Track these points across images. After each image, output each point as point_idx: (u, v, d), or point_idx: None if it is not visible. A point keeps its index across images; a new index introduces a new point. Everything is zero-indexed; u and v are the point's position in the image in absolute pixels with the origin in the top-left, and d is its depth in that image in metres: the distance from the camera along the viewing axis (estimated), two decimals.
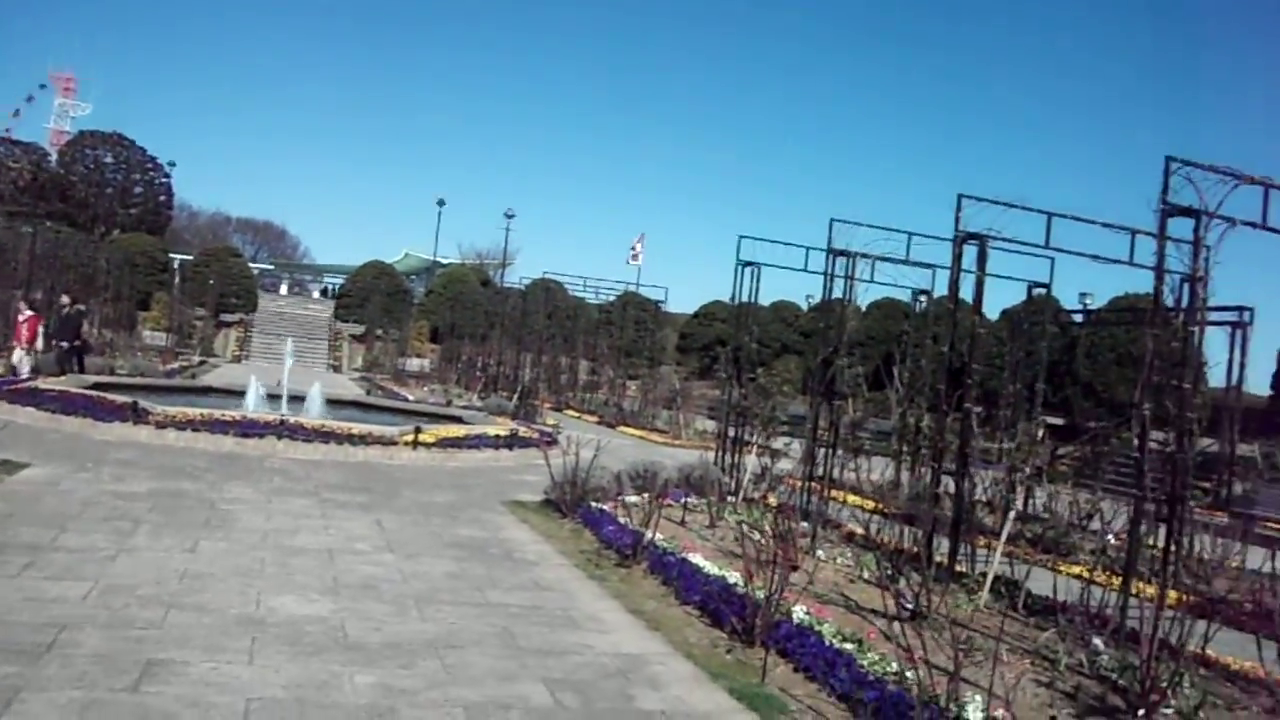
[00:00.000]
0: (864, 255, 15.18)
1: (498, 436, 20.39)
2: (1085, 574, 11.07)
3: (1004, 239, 12.72)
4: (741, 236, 18.99)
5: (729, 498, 15.54)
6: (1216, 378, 35.13)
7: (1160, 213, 9.17)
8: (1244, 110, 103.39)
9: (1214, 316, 25.28)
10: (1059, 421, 34.19)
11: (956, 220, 12.36)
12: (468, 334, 52.19)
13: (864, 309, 54.12)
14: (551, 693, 6.67)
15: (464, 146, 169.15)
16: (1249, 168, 9.59)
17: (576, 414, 36.48)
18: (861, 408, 29.68)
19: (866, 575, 11.21)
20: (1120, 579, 9.56)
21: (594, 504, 13.64)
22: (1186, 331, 10.73)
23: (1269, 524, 19.97)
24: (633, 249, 72.16)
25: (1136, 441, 9.31)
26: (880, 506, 15.32)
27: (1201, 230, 9.21)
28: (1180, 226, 9.44)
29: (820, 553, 12.66)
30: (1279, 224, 9.86)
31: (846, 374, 27.32)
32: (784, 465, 17.25)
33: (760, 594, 8.37)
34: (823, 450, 15.29)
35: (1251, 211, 9.84)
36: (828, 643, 7.81)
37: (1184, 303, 10.98)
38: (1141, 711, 7.40)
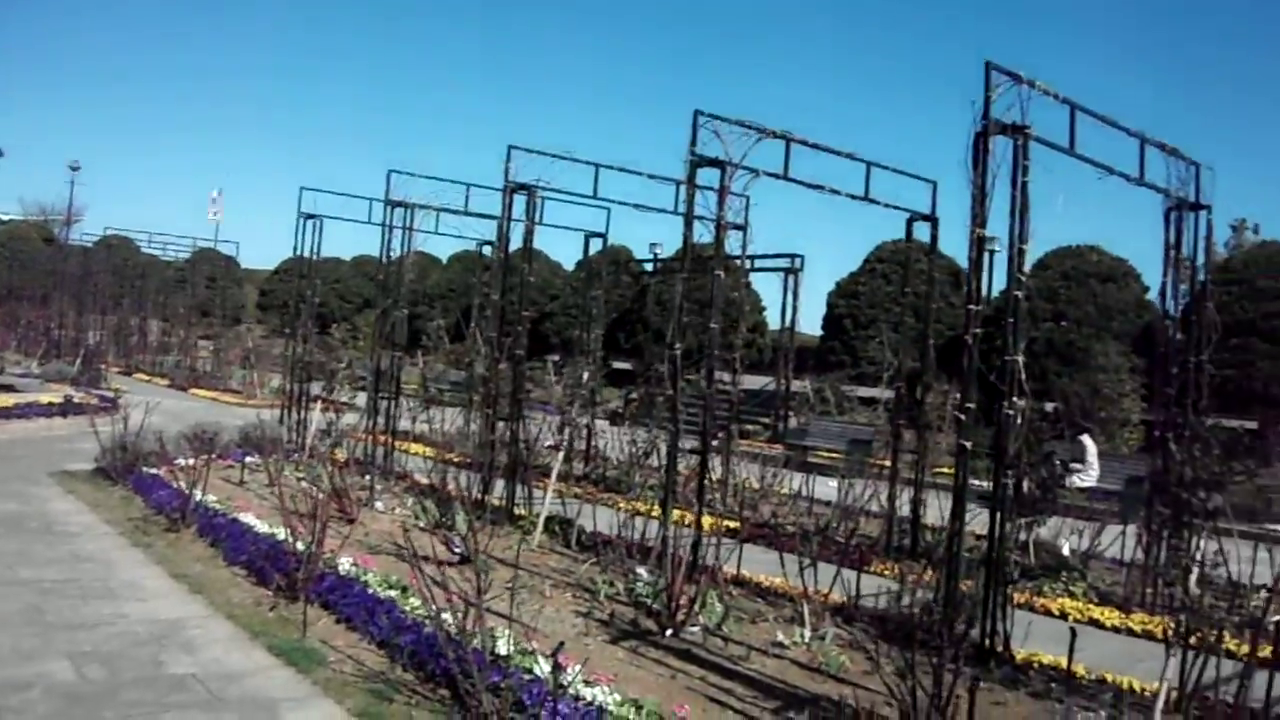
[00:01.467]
0: (423, 206, 15.67)
1: (51, 404, 20.37)
2: (642, 508, 12.18)
3: (553, 189, 13.47)
4: (303, 188, 18.86)
5: (294, 455, 15.67)
6: (773, 319, 39.23)
7: (689, 163, 10.10)
8: (778, 66, 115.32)
9: (767, 263, 28.21)
10: (628, 366, 36.60)
11: (506, 171, 12.96)
12: (28, 296, 49.25)
13: (445, 261, 55.15)
14: (77, 667, 6.58)
15: (27, 95, 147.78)
16: (775, 122, 10.85)
17: (147, 377, 36.13)
18: (443, 359, 30.25)
19: (424, 524, 11.63)
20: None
21: (146, 469, 13.47)
22: (739, 278, 11.99)
23: (819, 452, 22.75)
24: (211, 204, 69.62)
25: (705, 381, 10.29)
26: (446, 455, 15.88)
27: (727, 180, 10.27)
28: (711, 177, 10.38)
29: (380, 504, 13.03)
30: (802, 175, 11.28)
31: (429, 326, 27.42)
32: (350, 419, 17.55)
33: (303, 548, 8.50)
34: (388, 402, 15.68)
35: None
36: (371, 592, 8.17)
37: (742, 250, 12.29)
38: (670, 631, 8.33)
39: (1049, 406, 25.68)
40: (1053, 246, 33.55)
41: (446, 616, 6.66)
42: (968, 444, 7.63)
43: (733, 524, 12.20)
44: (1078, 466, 15.91)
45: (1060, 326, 30.80)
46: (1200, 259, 10.90)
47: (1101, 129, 9.47)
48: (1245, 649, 6.53)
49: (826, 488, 14.65)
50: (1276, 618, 5.58)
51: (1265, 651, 6.36)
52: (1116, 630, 9.67)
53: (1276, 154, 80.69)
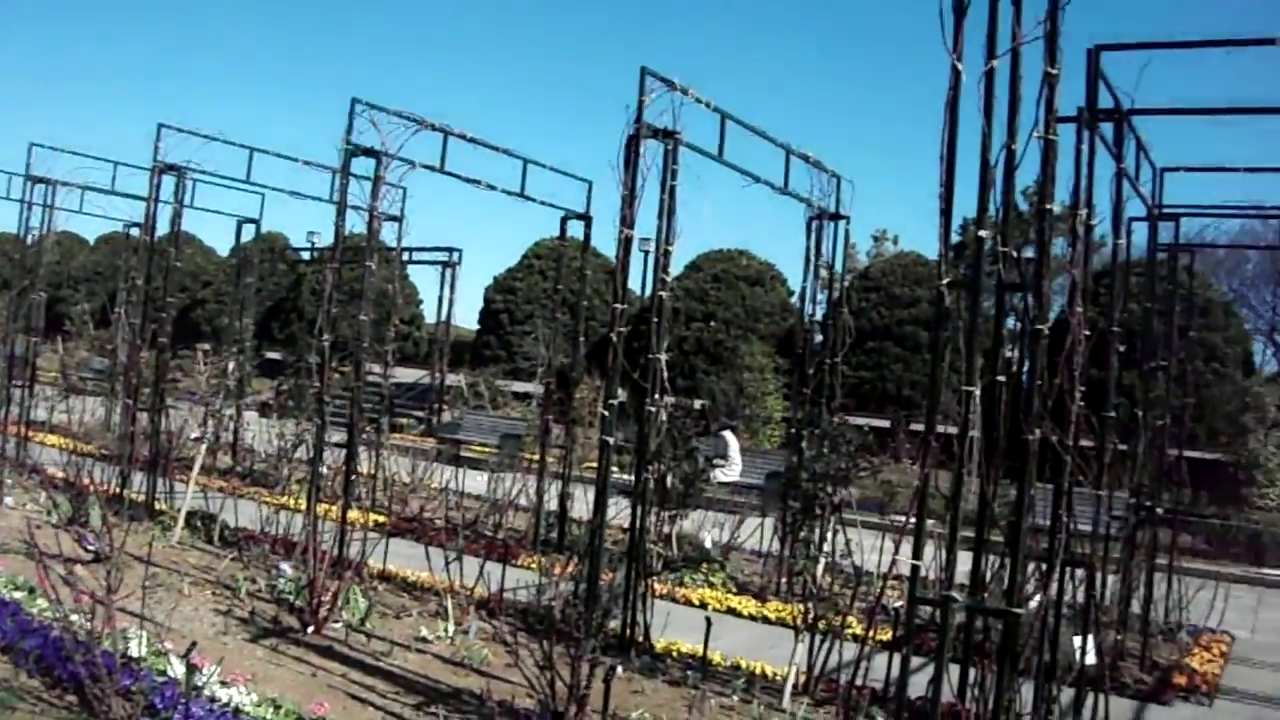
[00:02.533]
0: (66, 184, 15.05)
1: None
2: (289, 503, 12.24)
3: (205, 171, 13.20)
4: None
5: None
6: (430, 313, 39.51)
7: (344, 152, 10.21)
8: (442, 58, 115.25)
9: (425, 256, 28.45)
10: (278, 356, 35.73)
11: (156, 150, 12.59)
12: None
13: (93, 243, 51.66)
14: None
15: None
16: (437, 116, 11.14)
17: None
18: (87, 346, 28.37)
19: (56, 520, 11.15)
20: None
21: None
22: (394, 270, 12.20)
23: (471, 447, 23.27)
24: None
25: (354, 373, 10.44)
26: (84, 447, 15.21)
27: (383, 170, 10.50)
28: (368, 166, 10.47)
29: (10, 499, 12.41)
30: (460, 169, 11.64)
31: (73, 310, 25.67)
32: None
33: None
34: (21, 390, 15.07)
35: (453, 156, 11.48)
36: None
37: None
38: (312, 628, 8.40)
39: (697, 404, 27.45)
40: (705, 249, 35.80)
41: (76, 618, 6.53)
42: (610, 439, 8.24)
43: (381, 518, 12.40)
44: (721, 462, 17.20)
45: (709, 327, 32.85)
46: (839, 266, 12.17)
47: (750, 139, 10.36)
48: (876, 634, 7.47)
49: (477, 482, 15.16)
50: (897, 604, 6.46)
51: (885, 634, 7.34)
52: (753, 619, 10.65)
53: (914, 170, 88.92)
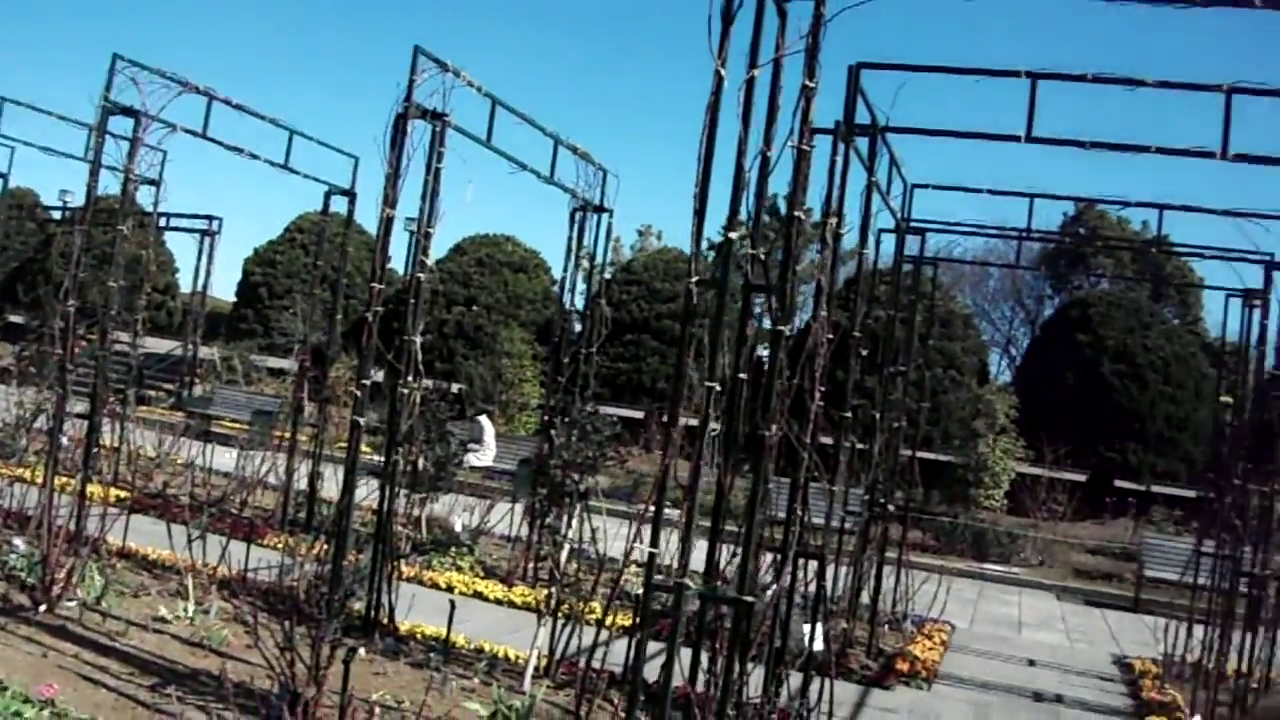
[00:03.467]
0: None
1: None
2: (26, 475, 11.55)
3: None
4: None
5: None
6: (186, 282, 37.89)
7: (102, 110, 9.73)
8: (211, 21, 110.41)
9: (183, 223, 27.28)
10: (20, 320, 33.64)
11: None
12: None
13: None
14: None
15: None
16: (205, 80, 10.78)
17: None
18: None
19: None
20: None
21: None
22: (149, 236, 11.67)
23: (222, 422, 22.51)
24: None
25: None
26: None
27: (141, 131, 10.06)
28: (127, 126, 9.96)
29: None
30: (224, 136, 11.26)
31: None
32: None
33: None
34: None
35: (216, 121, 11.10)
36: None
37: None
38: (44, 606, 8.01)
39: (455, 388, 27.37)
40: (472, 233, 35.69)
41: None
42: (361, 420, 8.17)
43: (123, 494, 11.95)
44: (475, 447, 17.28)
45: (471, 311, 32.76)
46: (601, 258, 12.38)
47: (520, 126, 10.44)
48: (622, 619, 7.67)
49: (226, 458, 14.70)
50: (639, 590, 6.64)
51: (626, 619, 7.54)
52: (499, 603, 10.75)
53: (682, 168, 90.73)
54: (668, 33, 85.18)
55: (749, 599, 4.80)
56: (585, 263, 12.04)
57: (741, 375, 4.89)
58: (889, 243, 11.08)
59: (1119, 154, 7.63)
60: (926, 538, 21.17)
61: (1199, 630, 10.81)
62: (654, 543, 4.95)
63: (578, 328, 11.80)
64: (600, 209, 12.00)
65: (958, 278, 45.26)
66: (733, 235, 4.79)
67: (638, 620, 5.25)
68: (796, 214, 4.96)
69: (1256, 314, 10.85)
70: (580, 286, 12.22)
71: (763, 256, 4.96)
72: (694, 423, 5.02)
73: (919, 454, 12.64)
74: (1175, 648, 11.36)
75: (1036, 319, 44.51)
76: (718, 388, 4.75)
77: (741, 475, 4.87)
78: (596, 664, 7.07)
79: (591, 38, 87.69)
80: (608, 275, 36.57)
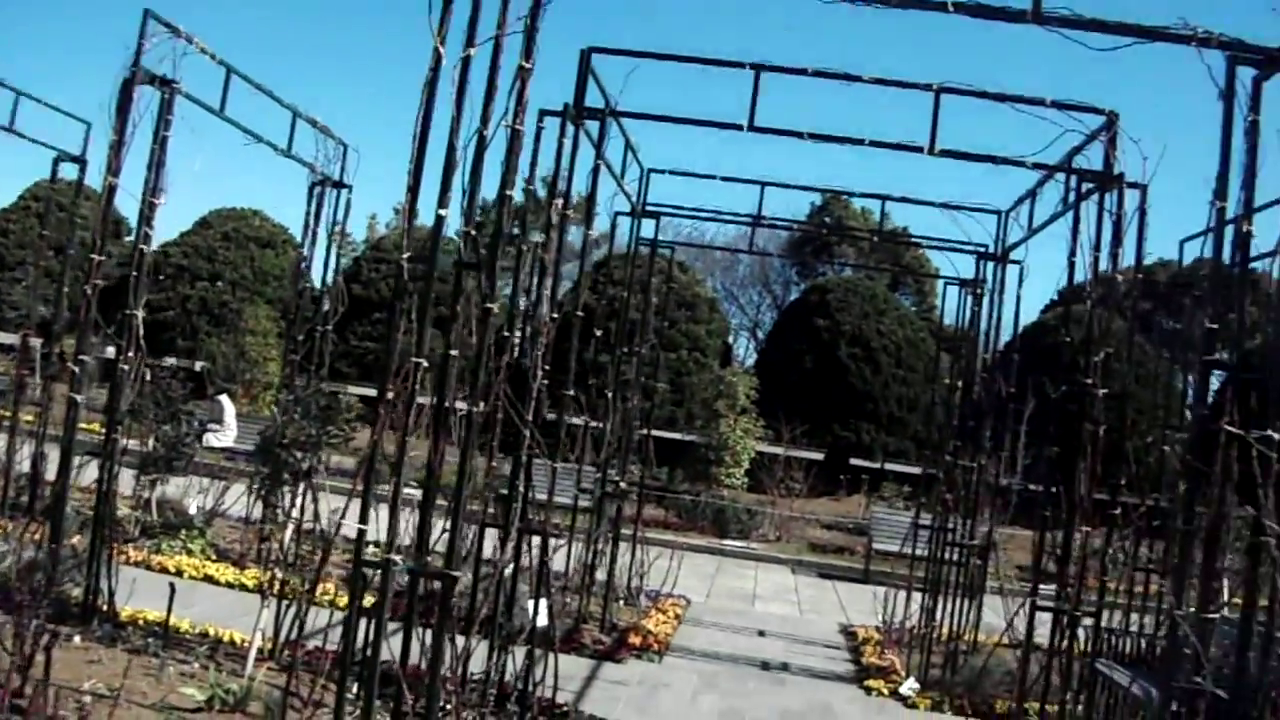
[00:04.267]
0: None
1: None
2: None
3: None
4: None
5: None
6: None
7: None
8: None
9: None
10: None
11: None
12: None
13: None
14: None
15: None
16: None
17: None
18: None
19: None
20: None
21: None
22: None
23: None
24: None
25: None
26: None
27: None
28: None
29: None
30: None
31: None
32: None
33: None
34: None
35: None
36: None
37: None
38: None
39: (198, 365, 26.36)
40: (218, 206, 34.38)
41: None
42: (79, 396, 7.85)
43: None
44: (215, 426, 16.72)
45: (215, 287, 31.62)
46: (353, 235, 12.21)
47: (258, 97, 10.17)
48: (344, 599, 7.59)
49: None
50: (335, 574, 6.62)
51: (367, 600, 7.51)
52: (231, 585, 10.47)
53: (434, 147, 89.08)
54: (418, 10, 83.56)
55: (454, 573, 4.90)
56: (338, 239, 11.84)
57: (453, 352, 4.97)
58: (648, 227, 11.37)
59: (874, 150, 8.04)
60: (669, 515, 21.78)
61: (917, 598, 11.53)
62: (363, 519, 4.98)
63: (327, 306, 11.56)
64: (340, 184, 11.80)
65: (709, 263, 46.49)
66: (442, 212, 4.87)
67: (351, 599, 5.26)
68: (508, 193, 5.07)
69: (977, 300, 11.50)
70: (333, 263, 11.99)
71: (474, 234, 5.05)
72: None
73: (663, 434, 13.03)
74: (895, 615, 12.09)
75: (783, 304, 46.18)
76: (424, 364, 4.82)
77: (441, 451, 4.94)
78: (328, 645, 7.02)
79: (347, 14, 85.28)
80: (359, 253, 35.93)
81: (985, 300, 11.19)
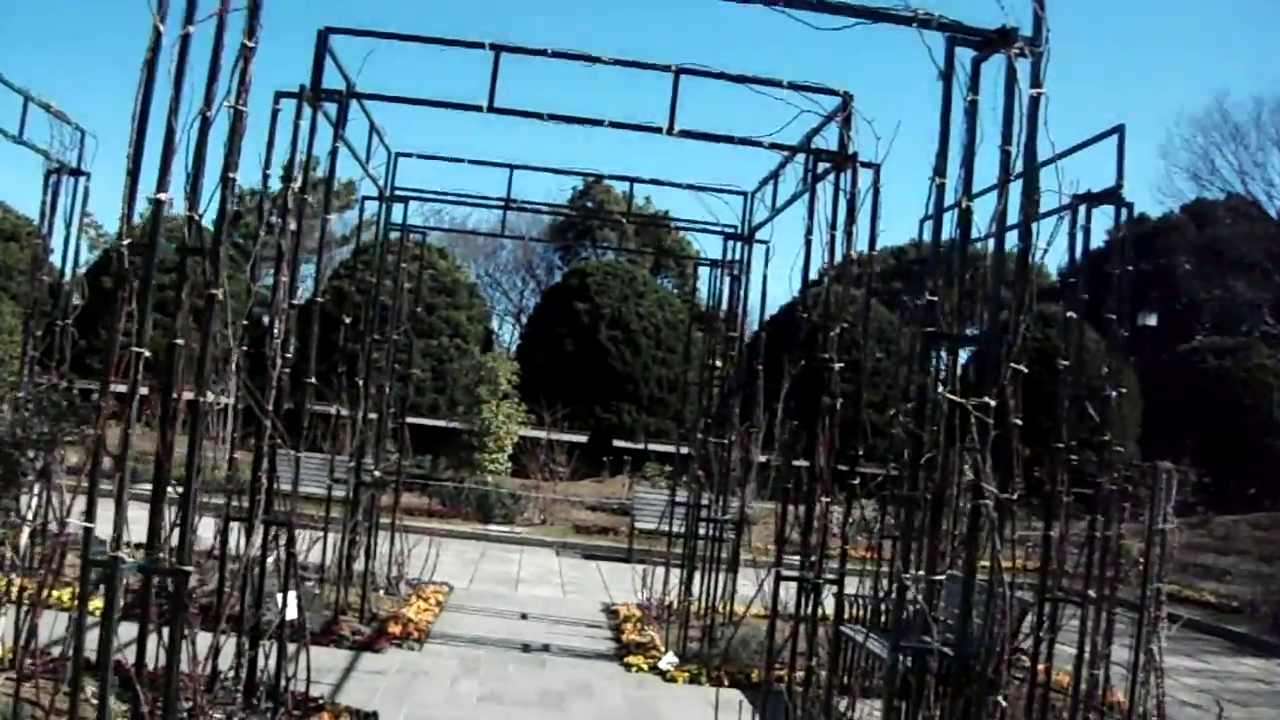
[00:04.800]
0: None
1: None
2: None
3: None
4: None
5: None
6: None
7: None
8: None
9: None
10: None
11: None
12: None
13: None
14: None
15: None
16: None
17: None
18: None
19: None
20: None
21: None
22: None
23: None
24: None
25: None
26: None
27: None
28: None
29: None
30: None
31: None
32: None
33: None
34: None
35: None
36: None
37: None
38: None
39: None
40: None
41: None
42: None
43: None
44: None
45: None
46: (78, 224, 11.45)
47: None
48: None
49: None
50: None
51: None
52: None
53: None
54: None
55: (186, 569, 4.66)
56: (87, 230, 11.10)
57: (179, 341, 4.71)
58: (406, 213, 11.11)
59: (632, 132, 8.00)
60: (432, 503, 21.53)
61: (677, 574, 11.71)
62: (89, 516, 4.68)
63: (77, 300, 10.81)
64: (78, 172, 11.08)
65: (471, 249, 46.13)
66: (161, 196, 4.60)
67: (78, 598, 4.94)
68: (231, 175, 4.84)
69: (731, 281, 11.69)
70: (74, 255, 11.24)
71: (198, 218, 4.80)
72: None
73: (425, 421, 12.82)
74: (655, 592, 12.26)
75: (547, 289, 46.32)
76: (146, 353, 4.55)
77: (170, 442, 4.69)
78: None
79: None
80: (109, 245, 33.81)
81: (737, 280, 11.42)
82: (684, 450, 13.41)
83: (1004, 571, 4.45)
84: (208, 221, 5.05)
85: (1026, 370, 4.46)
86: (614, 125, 7.81)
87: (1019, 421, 4.46)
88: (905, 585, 4.58)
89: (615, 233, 43.68)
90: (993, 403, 4.28)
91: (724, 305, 11.88)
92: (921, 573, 4.59)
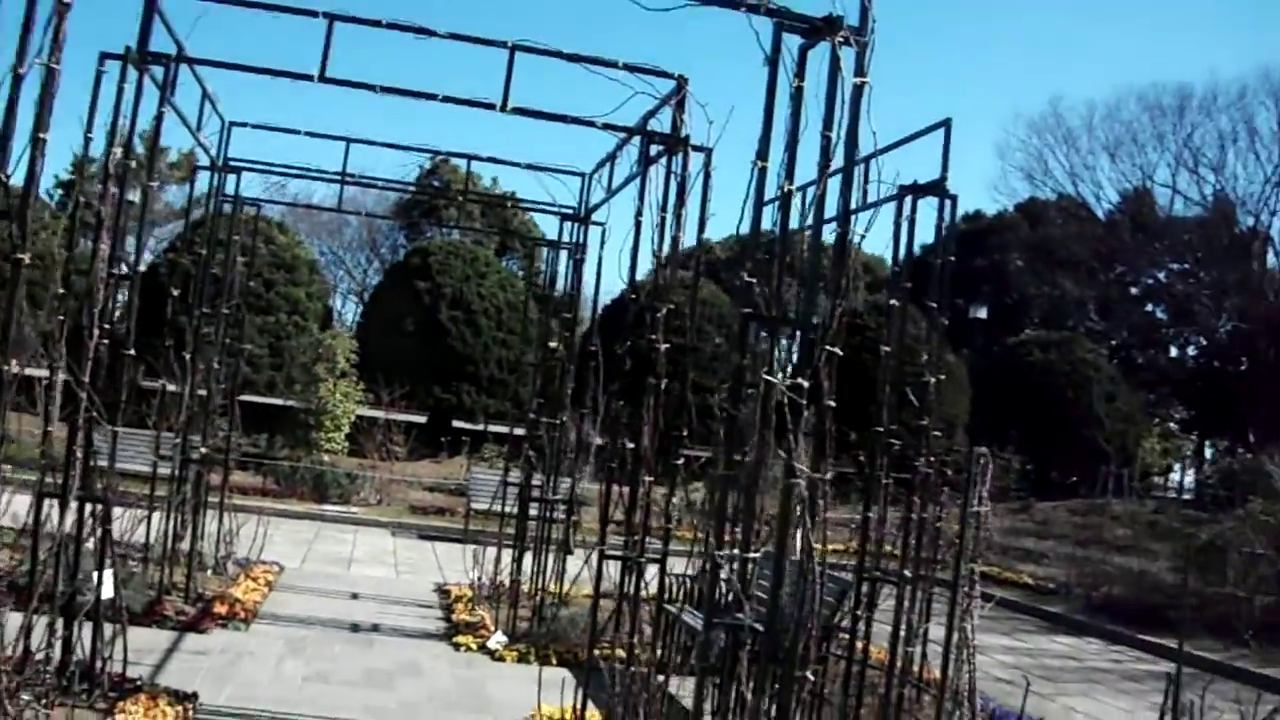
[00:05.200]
0: None
1: None
2: None
3: None
4: None
5: None
6: None
7: None
8: None
9: None
10: None
11: None
12: None
13: None
14: None
15: None
16: None
17: None
18: None
19: None
20: None
21: None
22: None
23: None
24: None
25: None
26: None
27: None
28: None
29: None
30: None
31: None
32: None
33: None
34: None
35: None
36: None
37: None
38: None
39: None
40: None
41: None
42: None
43: None
44: None
45: None
46: None
47: None
48: None
49: None
50: None
51: None
52: None
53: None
54: None
55: None
56: None
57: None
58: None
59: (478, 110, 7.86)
60: (267, 481, 21.07)
61: (511, 554, 11.70)
62: None
63: None
64: None
65: (314, 226, 45.15)
66: None
67: None
68: (42, 136, 4.65)
69: (571, 263, 11.65)
70: None
71: (4, 179, 4.59)
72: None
73: (261, 399, 12.51)
74: (487, 572, 12.22)
75: (389, 267, 45.62)
76: None
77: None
78: None
79: None
80: None
81: (579, 263, 11.43)
82: (519, 432, 13.40)
83: (816, 551, 4.57)
84: (19, 183, 4.83)
85: (845, 355, 4.57)
86: (448, 100, 7.74)
87: (832, 403, 4.58)
88: (719, 563, 4.67)
89: (460, 212, 43.24)
90: (806, 384, 4.40)
91: (562, 287, 11.90)
92: (735, 551, 4.69)
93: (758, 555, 4.63)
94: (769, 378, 4.44)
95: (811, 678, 4.41)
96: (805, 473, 4.39)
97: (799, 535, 4.45)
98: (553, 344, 11.96)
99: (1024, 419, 30.56)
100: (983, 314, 39.25)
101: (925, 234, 17.59)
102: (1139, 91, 50.58)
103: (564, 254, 11.78)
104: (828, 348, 4.52)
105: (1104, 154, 51.02)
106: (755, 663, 4.58)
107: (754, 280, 4.76)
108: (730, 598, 4.74)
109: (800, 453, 4.37)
